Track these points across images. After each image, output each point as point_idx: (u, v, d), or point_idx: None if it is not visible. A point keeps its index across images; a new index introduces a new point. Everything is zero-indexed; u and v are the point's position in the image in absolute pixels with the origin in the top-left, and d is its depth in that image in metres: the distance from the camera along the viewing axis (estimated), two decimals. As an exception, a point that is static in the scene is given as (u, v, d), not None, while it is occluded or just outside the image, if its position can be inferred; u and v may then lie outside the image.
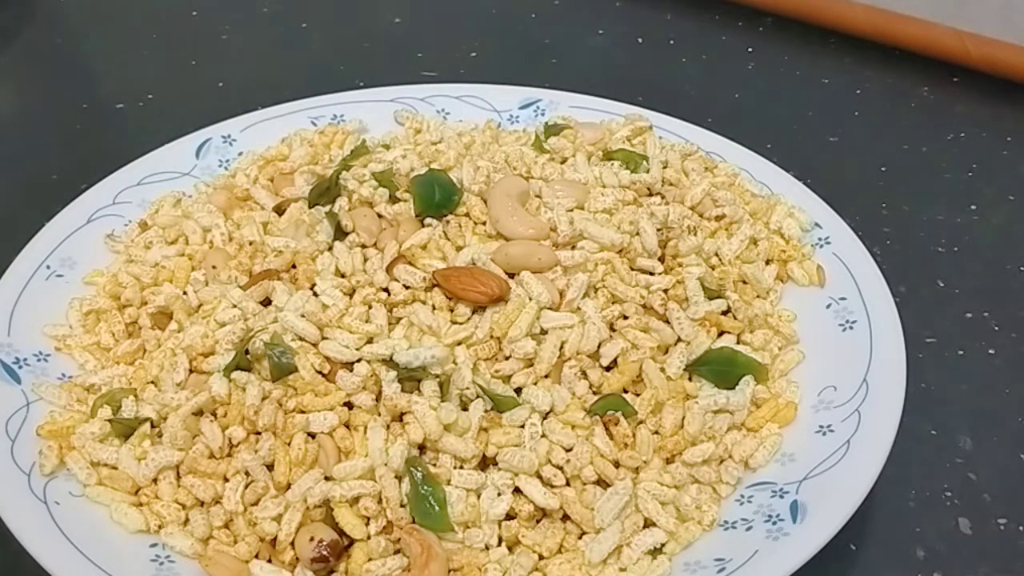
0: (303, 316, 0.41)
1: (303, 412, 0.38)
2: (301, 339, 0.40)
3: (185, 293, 0.45)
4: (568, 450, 0.38)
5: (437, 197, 0.46)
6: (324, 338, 0.40)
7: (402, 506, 0.37)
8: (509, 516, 0.37)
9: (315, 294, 0.42)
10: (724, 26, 0.80)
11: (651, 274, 0.44)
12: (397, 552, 0.36)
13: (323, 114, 0.58)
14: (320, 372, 0.40)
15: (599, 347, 0.41)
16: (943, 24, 0.73)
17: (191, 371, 0.41)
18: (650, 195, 0.49)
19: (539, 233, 0.44)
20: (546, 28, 0.80)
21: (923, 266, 0.56)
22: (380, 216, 0.46)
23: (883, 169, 0.64)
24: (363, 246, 0.45)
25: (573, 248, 0.44)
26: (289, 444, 0.38)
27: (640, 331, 0.42)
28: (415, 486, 0.37)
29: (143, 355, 0.43)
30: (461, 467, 0.38)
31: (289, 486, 0.37)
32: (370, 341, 0.40)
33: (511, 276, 0.43)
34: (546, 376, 0.41)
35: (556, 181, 0.48)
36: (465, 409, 0.39)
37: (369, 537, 0.36)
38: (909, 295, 0.52)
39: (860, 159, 0.65)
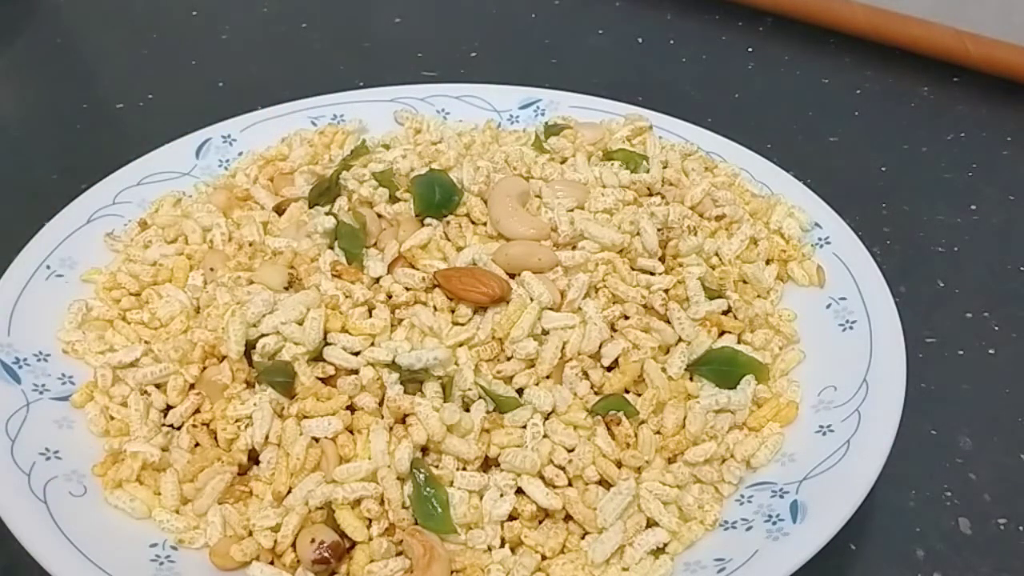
0: (301, 323, 0.40)
1: (306, 417, 0.38)
2: (298, 344, 0.40)
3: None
4: (570, 450, 0.38)
5: (437, 197, 0.46)
6: (328, 343, 0.40)
7: (404, 508, 0.37)
8: (511, 517, 0.37)
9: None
10: (724, 26, 0.80)
11: (652, 274, 0.44)
12: (399, 554, 0.36)
13: (323, 114, 0.58)
14: (321, 378, 0.40)
15: (600, 347, 0.41)
16: (943, 24, 0.73)
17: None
18: (650, 195, 0.49)
19: (539, 233, 0.44)
20: (546, 28, 0.80)
21: (923, 266, 0.56)
22: (380, 216, 0.46)
23: (883, 169, 0.64)
24: (364, 246, 0.45)
25: (574, 248, 0.44)
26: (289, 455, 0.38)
27: (641, 331, 0.42)
28: (418, 488, 0.37)
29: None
30: (464, 468, 0.38)
31: (291, 491, 0.37)
32: (372, 343, 0.40)
33: (512, 276, 0.43)
34: (548, 377, 0.41)
35: (556, 181, 0.48)
36: (467, 410, 0.39)
37: (371, 539, 0.36)
38: (909, 295, 0.52)
39: (860, 159, 0.65)
